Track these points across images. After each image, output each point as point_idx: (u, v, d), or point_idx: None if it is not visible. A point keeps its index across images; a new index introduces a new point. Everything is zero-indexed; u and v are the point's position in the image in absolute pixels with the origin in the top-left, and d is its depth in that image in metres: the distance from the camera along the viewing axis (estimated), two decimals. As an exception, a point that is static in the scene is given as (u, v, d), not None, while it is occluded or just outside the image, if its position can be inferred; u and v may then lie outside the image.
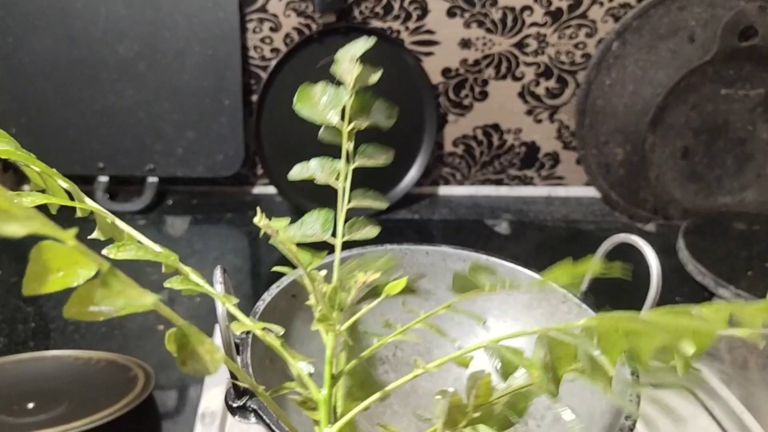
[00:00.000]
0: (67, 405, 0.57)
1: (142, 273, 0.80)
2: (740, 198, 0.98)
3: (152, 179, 0.97)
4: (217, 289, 0.30)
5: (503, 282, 0.45)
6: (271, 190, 0.99)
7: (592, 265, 0.44)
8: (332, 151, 0.96)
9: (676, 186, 0.96)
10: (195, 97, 0.93)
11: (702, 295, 0.80)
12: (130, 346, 0.69)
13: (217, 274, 0.31)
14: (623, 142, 0.95)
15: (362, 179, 0.98)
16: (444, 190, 1.03)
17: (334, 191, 0.99)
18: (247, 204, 1.00)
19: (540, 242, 0.94)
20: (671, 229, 0.95)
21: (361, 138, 0.99)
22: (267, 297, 0.39)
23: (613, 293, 0.81)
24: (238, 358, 0.34)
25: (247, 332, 0.36)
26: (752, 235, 0.88)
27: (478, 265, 0.45)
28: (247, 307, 0.76)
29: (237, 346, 0.35)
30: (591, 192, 1.03)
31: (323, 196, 0.94)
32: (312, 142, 0.92)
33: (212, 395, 0.51)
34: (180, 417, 0.58)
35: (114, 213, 0.96)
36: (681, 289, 0.81)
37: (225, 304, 0.30)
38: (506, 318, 0.45)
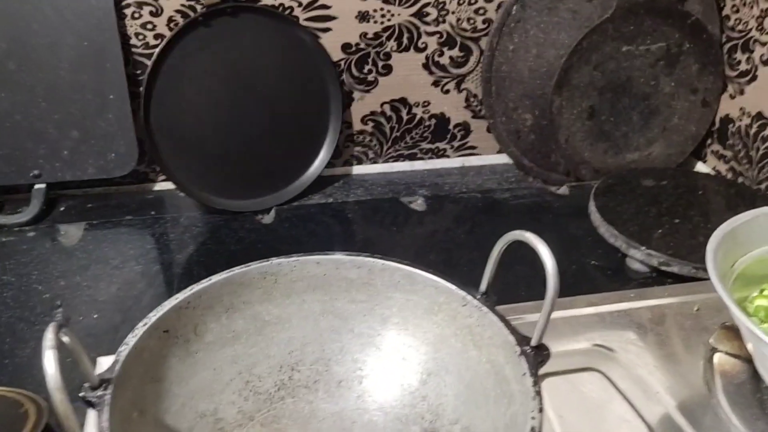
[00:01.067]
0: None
1: (34, 292, 0.74)
2: (647, 153, 0.99)
3: (39, 186, 0.89)
4: (45, 356, 0.26)
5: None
6: (173, 186, 0.93)
7: (489, 265, 0.42)
8: (234, 135, 0.91)
9: (585, 147, 0.96)
10: (75, 93, 0.85)
11: (615, 256, 0.80)
12: (21, 376, 0.63)
13: (48, 336, 0.26)
14: (531, 107, 0.93)
15: (270, 165, 0.94)
16: (357, 170, 1.00)
17: (242, 181, 0.94)
18: (148, 203, 0.93)
19: (457, 215, 0.92)
20: (584, 191, 0.95)
21: (272, 121, 0.92)
22: (131, 339, 0.35)
23: (564, 272, 0.80)
24: (92, 421, 0.30)
25: (106, 386, 0.31)
26: (661, 190, 0.88)
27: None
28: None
29: (93, 404, 0.31)
30: (504, 158, 1.02)
31: (228, 187, 0.90)
32: (208, 131, 0.87)
33: None
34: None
35: (1, 227, 0.88)
36: (595, 252, 0.81)
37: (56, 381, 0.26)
38: (407, 325, 0.42)
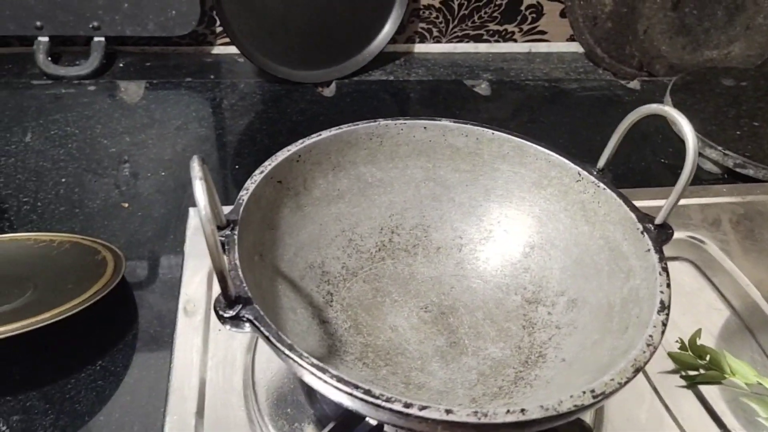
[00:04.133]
0: (33, 292, 0.53)
1: (99, 146, 0.74)
2: (727, 52, 0.94)
3: (98, 39, 0.87)
4: (196, 186, 0.25)
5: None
6: (233, 50, 0.91)
7: (612, 141, 0.40)
8: (299, 2, 0.87)
9: (663, 40, 0.91)
10: (138, -58, 0.81)
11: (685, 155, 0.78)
12: (93, 226, 0.64)
13: (195, 167, 0.26)
14: (613, -8, 0.88)
15: (334, 36, 0.91)
16: (420, 48, 0.96)
17: (304, 51, 0.91)
18: (207, 66, 0.91)
19: (521, 103, 0.90)
20: (656, 86, 0.92)
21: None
22: (250, 185, 0.34)
23: (632, 168, 0.78)
24: (225, 259, 0.30)
25: (232, 227, 0.31)
26: (741, 91, 0.84)
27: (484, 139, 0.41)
28: (217, 182, 0.71)
29: (222, 244, 0.31)
30: (574, 47, 0.98)
31: (289, 56, 0.87)
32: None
33: (193, 284, 0.47)
34: (157, 302, 0.55)
35: (60, 78, 0.87)
36: (665, 150, 0.79)
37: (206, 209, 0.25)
38: (512, 198, 0.41)
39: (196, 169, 0.26)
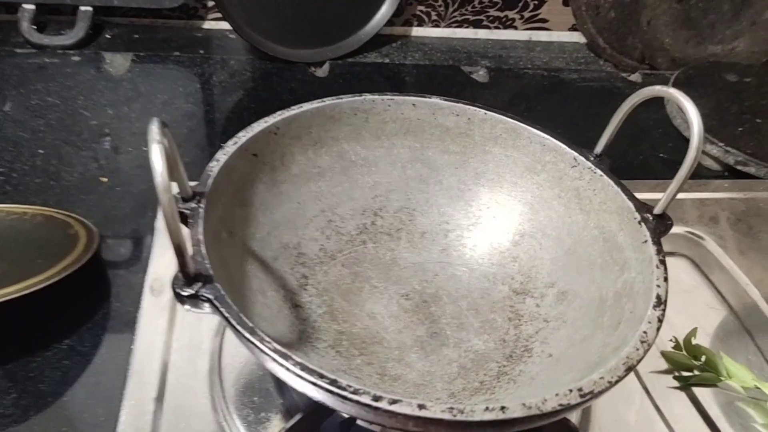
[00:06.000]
0: (0, 265, 0.50)
1: (80, 117, 0.71)
2: (731, 47, 0.92)
3: (85, 8, 0.84)
4: (153, 150, 0.23)
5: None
6: (225, 25, 0.88)
7: (611, 125, 0.38)
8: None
9: (667, 32, 0.89)
10: None
11: (685, 150, 0.75)
12: (69, 200, 0.61)
13: (153, 129, 0.23)
14: (618, -19, 0.85)
15: (329, 15, 0.88)
16: (417, 32, 0.93)
17: (297, 29, 0.88)
18: (197, 41, 0.88)
19: (519, 91, 0.87)
20: (657, 80, 0.89)
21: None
22: (221, 156, 0.32)
23: (630, 162, 0.76)
24: (187, 234, 0.27)
25: (198, 199, 0.29)
26: (744, 87, 0.82)
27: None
28: (202, 160, 0.68)
29: (185, 217, 0.29)
30: (575, 37, 0.95)
31: (282, 34, 0.84)
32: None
33: (161, 262, 0.45)
34: (131, 280, 0.53)
35: (44, 47, 0.84)
36: (665, 145, 0.77)
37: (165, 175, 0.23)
38: (503, 182, 0.39)
39: (154, 131, 0.23)
